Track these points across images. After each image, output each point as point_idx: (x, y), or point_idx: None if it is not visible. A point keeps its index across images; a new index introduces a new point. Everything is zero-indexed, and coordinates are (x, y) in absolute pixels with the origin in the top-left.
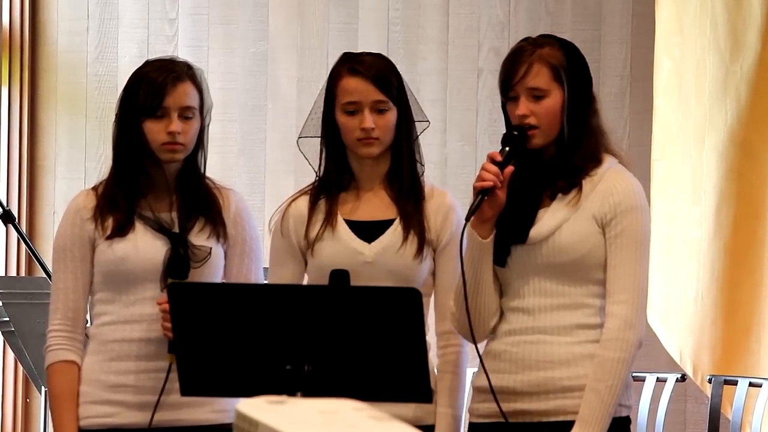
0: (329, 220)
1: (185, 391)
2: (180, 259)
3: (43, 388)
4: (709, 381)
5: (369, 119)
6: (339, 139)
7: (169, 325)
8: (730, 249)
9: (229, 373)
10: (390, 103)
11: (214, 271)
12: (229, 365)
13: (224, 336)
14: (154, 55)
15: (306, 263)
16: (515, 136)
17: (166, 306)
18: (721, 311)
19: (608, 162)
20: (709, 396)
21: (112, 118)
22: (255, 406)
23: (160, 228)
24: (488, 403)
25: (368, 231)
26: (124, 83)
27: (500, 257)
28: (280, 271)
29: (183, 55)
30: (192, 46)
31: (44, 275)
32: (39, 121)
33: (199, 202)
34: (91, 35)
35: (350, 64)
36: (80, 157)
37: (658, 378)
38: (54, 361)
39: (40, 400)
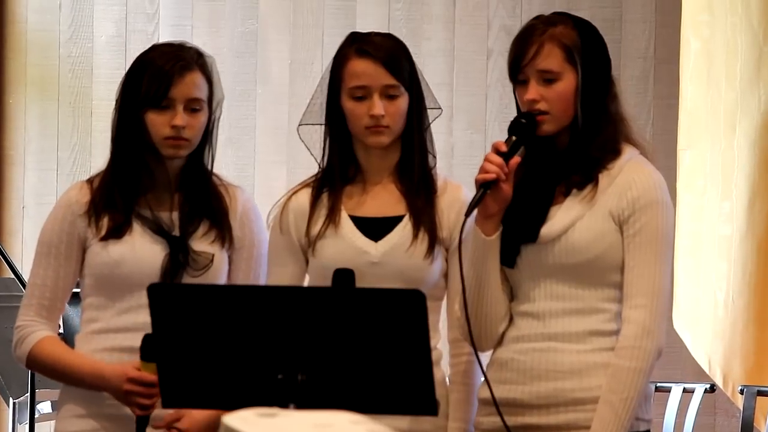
0: (332, 216)
1: (167, 403)
2: (177, 267)
3: (11, 399)
4: (741, 392)
5: (379, 105)
6: (344, 127)
7: (143, 401)
8: (763, 247)
9: (216, 382)
10: (401, 88)
11: (216, 278)
12: (215, 374)
13: (210, 342)
14: (132, 35)
15: (307, 262)
16: (523, 124)
17: (145, 376)
18: (753, 315)
19: (628, 153)
20: (741, 408)
21: (87, 103)
22: (243, 419)
23: (158, 230)
24: (493, 416)
25: (375, 228)
26: (101, 65)
27: (509, 257)
28: (279, 271)
29: (164, 34)
30: (174, 25)
31: (13, 276)
32: (7, 107)
33: (204, 203)
34: (64, 12)
35: (358, 44)
36: (52, 147)
37: (684, 388)
38: (36, 340)
39: (8, 412)
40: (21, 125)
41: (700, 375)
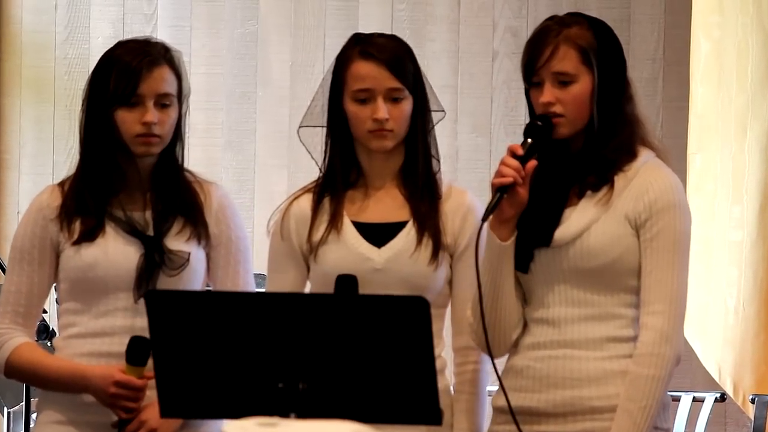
0: (334, 222)
1: (165, 412)
2: (153, 267)
3: (6, 408)
4: (752, 401)
5: (383, 109)
6: (347, 130)
7: (129, 405)
8: None
9: (215, 391)
10: (405, 91)
11: (193, 277)
12: (214, 383)
13: (209, 350)
14: (130, 36)
15: (309, 269)
16: (539, 126)
17: (132, 381)
18: (764, 322)
19: (644, 155)
20: (752, 418)
21: None
22: (243, 429)
23: (132, 230)
24: (508, 425)
25: (378, 234)
26: None
27: (522, 262)
28: (280, 278)
29: (163, 36)
30: (173, 26)
31: None
32: (1, 109)
33: (177, 200)
34: (60, 13)
35: (362, 46)
36: (48, 151)
37: (694, 397)
38: (13, 347)
39: (2, 422)
40: (16, 128)
41: (710, 384)
